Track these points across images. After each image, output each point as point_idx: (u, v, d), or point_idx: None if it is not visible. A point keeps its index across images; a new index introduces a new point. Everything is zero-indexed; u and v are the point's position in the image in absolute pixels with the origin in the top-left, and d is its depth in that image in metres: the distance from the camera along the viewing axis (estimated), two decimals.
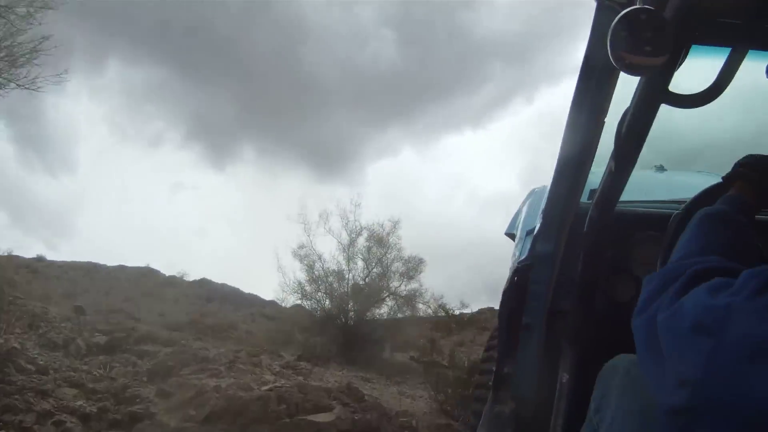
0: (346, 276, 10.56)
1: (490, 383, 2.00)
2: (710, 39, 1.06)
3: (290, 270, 11.11)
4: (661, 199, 1.94)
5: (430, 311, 10.60)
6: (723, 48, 1.08)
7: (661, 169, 2.71)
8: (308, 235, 11.15)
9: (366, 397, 5.39)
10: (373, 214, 12.42)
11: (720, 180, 1.23)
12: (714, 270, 0.77)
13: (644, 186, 2.18)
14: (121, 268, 24.51)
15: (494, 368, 1.99)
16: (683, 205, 1.29)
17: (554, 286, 1.72)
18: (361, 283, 10.48)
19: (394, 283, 10.74)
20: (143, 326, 8.96)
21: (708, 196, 1.24)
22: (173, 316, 16.80)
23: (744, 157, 1.20)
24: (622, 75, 1.15)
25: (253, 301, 19.53)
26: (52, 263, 21.22)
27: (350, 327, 9.66)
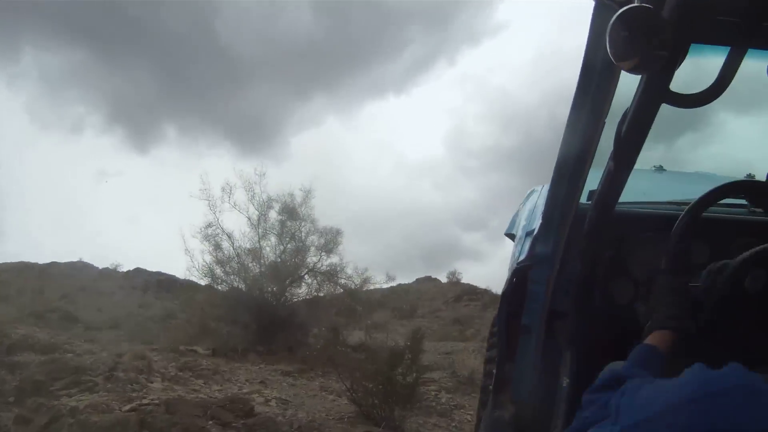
0: (259, 254, 9.23)
1: (491, 387, 2.03)
2: (709, 38, 1.04)
3: (199, 252, 9.73)
4: (660, 200, 1.92)
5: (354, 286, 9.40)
6: (723, 47, 1.06)
7: (660, 169, 2.70)
8: (214, 213, 9.71)
9: (256, 410, 4.13)
10: (291, 185, 10.77)
11: (722, 183, 1.34)
12: None
13: (643, 187, 2.15)
14: (54, 265, 23.59)
15: (494, 371, 2.00)
16: (686, 208, 1.35)
17: (553, 287, 1.71)
18: (277, 260, 9.18)
19: (312, 258, 9.57)
20: (19, 331, 7.50)
21: (710, 197, 1.33)
22: (111, 311, 15.85)
23: (662, 305, 1.20)
24: (623, 75, 1.12)
25: (189, 286, 18.13)
26: None
27: (268, 313, 8.38)
